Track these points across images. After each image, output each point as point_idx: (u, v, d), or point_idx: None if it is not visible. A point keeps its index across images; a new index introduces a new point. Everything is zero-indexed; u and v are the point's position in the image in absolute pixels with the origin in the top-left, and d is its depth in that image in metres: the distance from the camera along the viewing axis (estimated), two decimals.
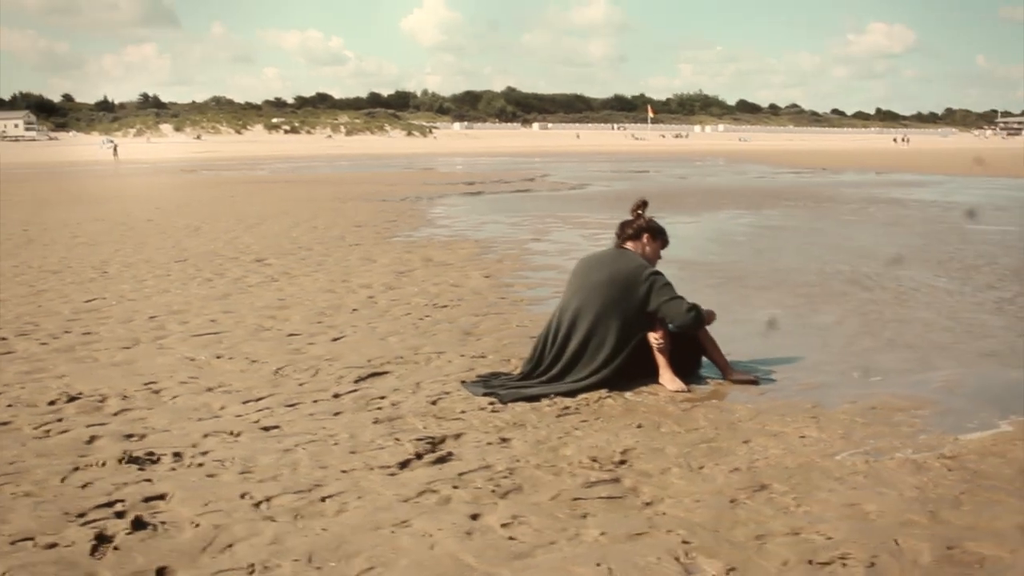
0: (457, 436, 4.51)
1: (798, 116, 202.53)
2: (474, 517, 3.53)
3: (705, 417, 4.76)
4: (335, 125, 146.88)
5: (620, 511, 3.56)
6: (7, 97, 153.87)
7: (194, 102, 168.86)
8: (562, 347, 5.43)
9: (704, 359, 5.69)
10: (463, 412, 4.89)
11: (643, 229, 5.61)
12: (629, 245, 5.61)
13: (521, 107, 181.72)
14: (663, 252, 5.82)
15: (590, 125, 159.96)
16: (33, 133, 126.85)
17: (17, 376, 5.65)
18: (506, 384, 5.36)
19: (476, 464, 4.09)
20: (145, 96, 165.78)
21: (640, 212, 5.68)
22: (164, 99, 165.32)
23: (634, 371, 5.41)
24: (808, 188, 25.65)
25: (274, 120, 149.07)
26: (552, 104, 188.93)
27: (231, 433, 4.56)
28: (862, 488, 3.74)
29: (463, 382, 5.43)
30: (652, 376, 5.36)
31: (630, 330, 5.37)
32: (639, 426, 4.62)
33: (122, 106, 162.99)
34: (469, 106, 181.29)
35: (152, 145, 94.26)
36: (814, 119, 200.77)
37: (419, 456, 4.19)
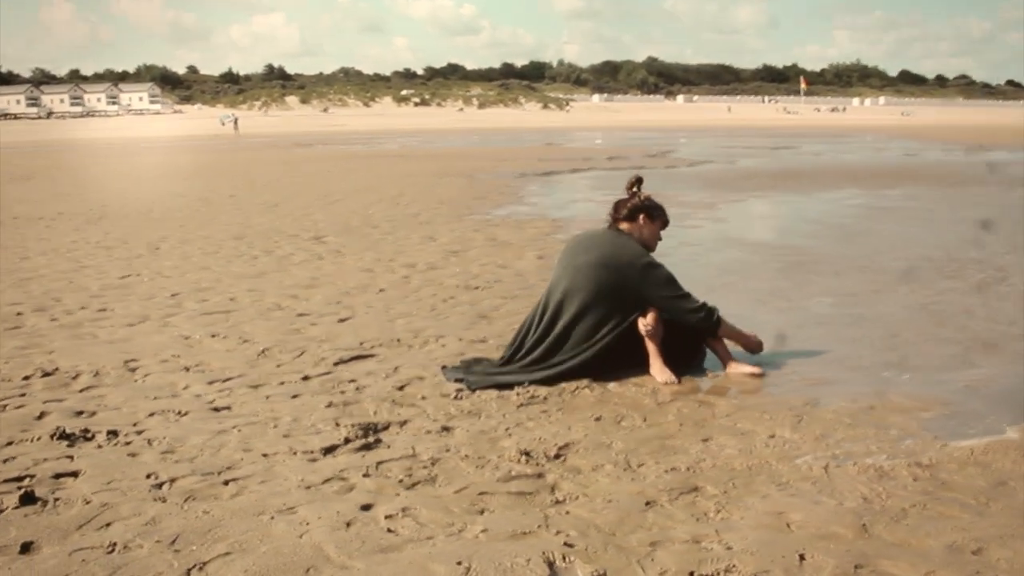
0: (403, 423, 4.54)
1: (968, 88, 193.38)
2: (365, 508, 3.56)
3: (678, 412, 4.65)
4: (467, 97, 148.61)
5: (521, 508, 3.53)
6: (132, 69, 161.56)
7: (321, 74, 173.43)
8: (547, 330, 5.39)
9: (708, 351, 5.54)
10: (424, 398, 4.92)
11: (638, 208, 5.50)
12: (624, 227, 5.51)
13: (664, 78, 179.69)
14: (663, 233, 5.68)
15: (738, 97, 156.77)
16: (157, 106, 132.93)
17: (10, 351, 5.97)
18: (486, 370, 5.35)
19: (401, 453, 4.12)
20: (271, 67, 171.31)
21: (635, 190, 5.56)
22: (291, 70, 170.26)
23: (626, 360, 5.32)
24: (949, 167, 24.52)
25: (403, 92, 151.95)
26: (697, 75, 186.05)
27: (178, 413, 4.72)
28: (801, 496, 3.60)
29: (443, 367, 5.45)
30: (646, 365, 5.27)
31: (620, 317, 5.28)
32: (598, 419, 4.56)
33: (247, 78, 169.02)
34: (609, 77, 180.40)
35: (272, 119, 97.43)
36: (986, 91, 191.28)
37: (347, 442, 4.24)
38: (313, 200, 16.03)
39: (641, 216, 5.49)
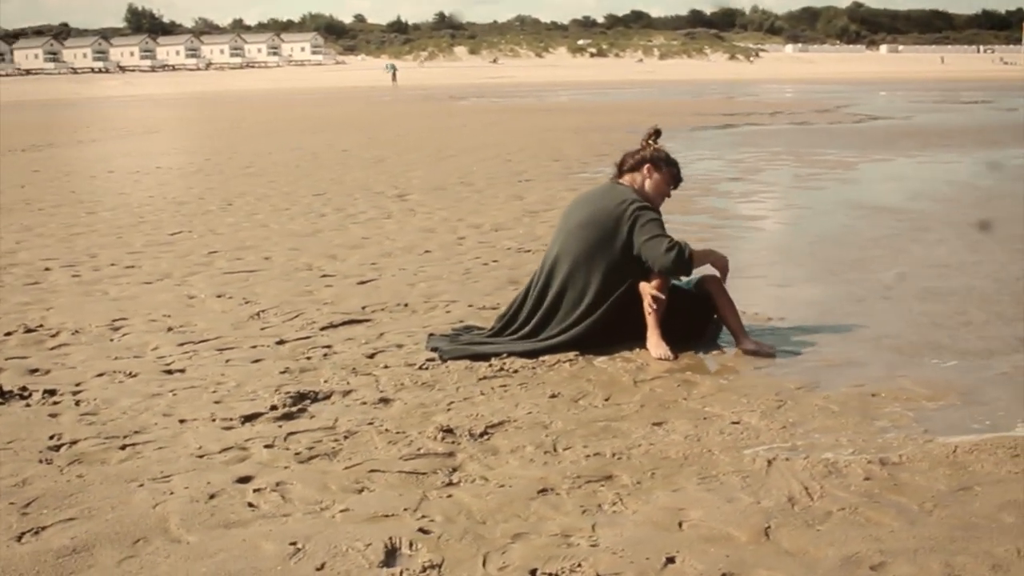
0: (347, 393, 4.56)
1: None
2: (243, 480, 3.60)
3: (650, 391, 4.51)
4: (647, 48, 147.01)
5: (403, 489, 3.49)
6: (296, 18, 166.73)
7: (495, 22, 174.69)
8: (538, 300, 5.30)
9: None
10: (386, 367, 4.93)
11: (644, 159, 5.30)
12: (626, 179, 5.33)
13: (867, 26, 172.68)
14: (673, 192, 5.46)
15: (949, 47, 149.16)
16: (319, 57, 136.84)
17: (10, 307, 6.30)
18: (472, 339, 5.30)
19: (320, 425, 4.14)
20: (441, 16, 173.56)
21: (650, 141, 5.36)
22: (466, 18, 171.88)
23: (628, 332, 5.17)
24: None
25: (579, 42, 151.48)
26: (905, 22, 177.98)
27: (128, 374, 4.88)
28: (718, 491, 3.43)
29: (431, 335, 5.43)
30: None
31: (615, 279, 5.13)
32: (553, 396, 4.46)
33: (416, 27, 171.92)
34: (806, 25, 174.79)
35: (434, 70, 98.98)
36: None
37: (273, 410, 4.29)
38: (424, 156, 16.22)
39: (646, 167, 5.28)
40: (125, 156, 17.57)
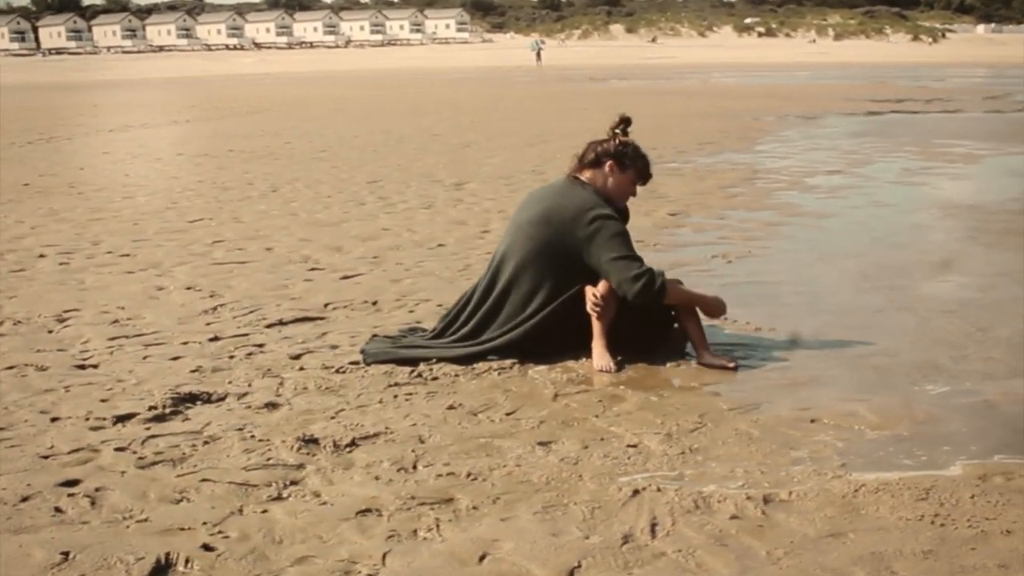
0: (241, 396, 4.60)
1: None
2: (67, 483, 3.66)
3: (564, 407, 4.41)
4: (821, 27, 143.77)
5: (220, 501, 3.50)
6: None
7: None
8: (481, 300, 5.23)
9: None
10: (303, 369, 4.96)
11: (607, 154, 5.15)
12: (587, 174, 5.20)
13: None
14: (641, 189, 5.30)
15: None
16: (465, 34, 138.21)
17: None
18: (412, 342, 5.28)
19: (187, 429, 4.19)
20: None
21: (617, 131, 5.22)
22: None
23: (577, 337, 5.07)
24: None
25: (746, 20, 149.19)
26: None
27: (38, 368, 5.03)
28: (552, 523, 3.33)
29: (375, 335, 5.43)
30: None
31: (563, 287, 5.02)
32: (452, 407, 4.40)
33: (570, 3, 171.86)
34: (1001, 3, 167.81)
35: (576, 49, 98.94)
36: None
37: (151, 410, 4.36)
38: (514, 143, 16.22)
39: (608, 163, 5.14)
40: (208, 138, 18.11)
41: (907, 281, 6.57)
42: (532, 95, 31.89)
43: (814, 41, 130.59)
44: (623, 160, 5.13)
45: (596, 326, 4.99)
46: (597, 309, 4.96)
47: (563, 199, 5.04)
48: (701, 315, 5.11)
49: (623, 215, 5.18)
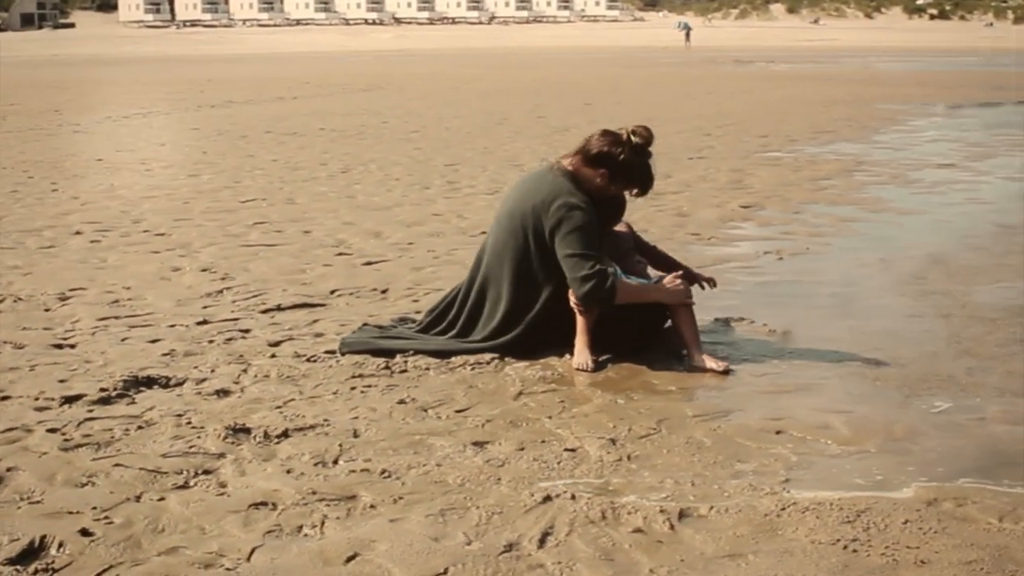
0: (200, 381, 4.74)
1: None
2: None
3: (520, 406, 4.43)
4: (1000, 9, 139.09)
5: (123, 487, 3.61)
6: None
7: None
8: (465, 296, 5.28)
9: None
10: (274, 357, 5.07)
11: (604, 159, 5.09)
12: (571, 162, 5.15)
13: None
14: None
15: None
16: (615, 12, 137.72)
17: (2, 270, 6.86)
18: (399, 334, 5.35)
19: (128, 413, 4.33)
20: None
21: (631, 136, 5.14)
22: None
23: (559, 335, 5.09)
24: None
25: (918, 1, 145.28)
26: None
27: (16, 346, 5.25)
28: (441, 527, 3.35)
29: (364, 324, 5.52)
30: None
31: (533, 282, 5.03)
32: (402, 402, 4.47)
33: None
34: None
35: (728, 30, 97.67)
36: None
37: (101, 392, 4.52)
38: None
39: (601, 171, 5.10)
40: (305, 115, 18.51)
41: (963, 286, 6.37)
42: (659, 77, 31.70)
43: (991, 24, 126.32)
44: (619, 178, 5.06)
45: (579, 323, 4.97)
46: (580, 306, 4.93)
47: (537, 188, 5.03)
48: (682, 314, 5.01)
49: (614, 205, 5.12)
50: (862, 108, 19.48)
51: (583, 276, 4.74)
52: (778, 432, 4.14)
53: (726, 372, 4.82)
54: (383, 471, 3.75)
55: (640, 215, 8.59)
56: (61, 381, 4.69)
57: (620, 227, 5.39)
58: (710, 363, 4.86)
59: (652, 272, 5.34)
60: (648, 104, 20.90)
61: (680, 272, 5.13)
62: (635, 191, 5.09)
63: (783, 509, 3.45)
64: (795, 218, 8.63)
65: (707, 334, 5.35)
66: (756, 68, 38.55)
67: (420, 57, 49.86)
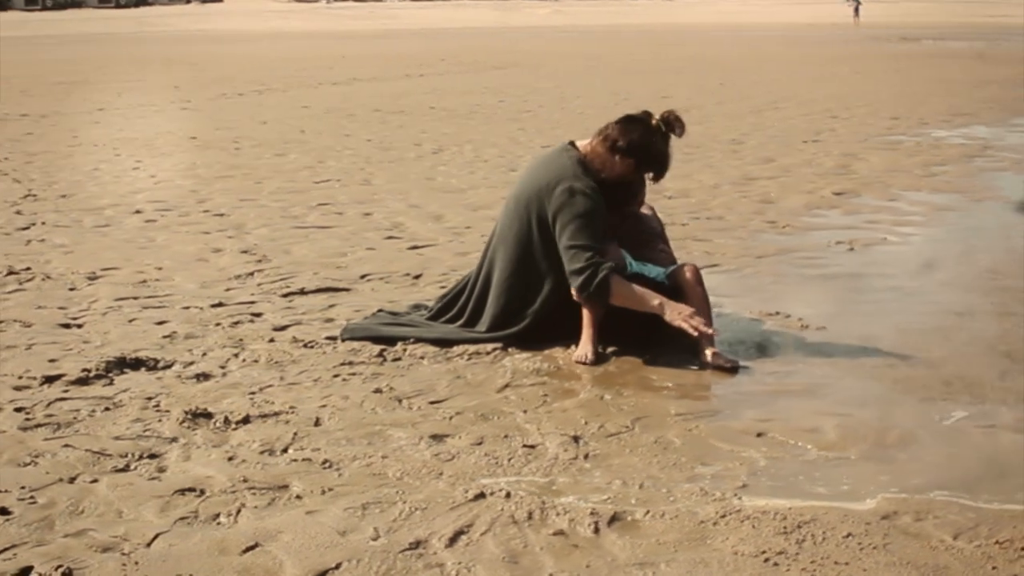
0: (187, 364, 4.90)
1: None
2: None
3: (500, 399, 4.47)
4: None
5: (60, 468, 3.75)
6: None
7: None
8: (474, 283, 5.33)
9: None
10: (272, 341, 5.21)
11: (635, 148, 5.05)
12: (586, 145, 5.15)
13: None
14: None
15: None
16: None
17: (36, 248, 7.19)
18: (412, 321, 5.44)
19: (101, 394, 4.51)
20: None
21: (660, 123, 5.11)
22: None
23: (565, 328, 5.11)
24: None
25: None
26: None
27: (23, 323, 5.51)
28: (344, 521, 3.41)
29: (379, 311, 5.62)
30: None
31: (535, 271, 5.06)
32: (378, 391, 4.55)
33: None
34: None
35: (899, 4, 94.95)
36: None
37: (83, 372, 4.71)
38: (741, 108, 16.01)
39: (631, 160, 5.08)
40: (423, 94, 18.74)
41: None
42: (811, 56, 31.04)
43: None
44: (642, 162, 5.03)
45: (585, 315, 4.96)
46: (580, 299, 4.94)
47: (544, 171, 5.03)
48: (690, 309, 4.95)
49: (632, 187, 5.08)
50: (1013, 90, 18.76)
51: (577, 269, 4.74)
52: (759, 434, 4.07)
53: (733, 369, 4.74)
54: (325, 461, 3.80)
55: (720, 202, 8.53)
56: (51, 361, 4.87)
57: (646, 210, 5.33)
58: (717, 359, 4.79)
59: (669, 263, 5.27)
60: (784, 84, 20.53)
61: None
62: (652, 176, 5.02)
63: (723, 517, 3.39)
64: (887, 206, 8.42)
65: (736, 328, 5.30)
66: (920, 46, 37.40)
67: (573, 34, 49.80)
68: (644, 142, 4.88)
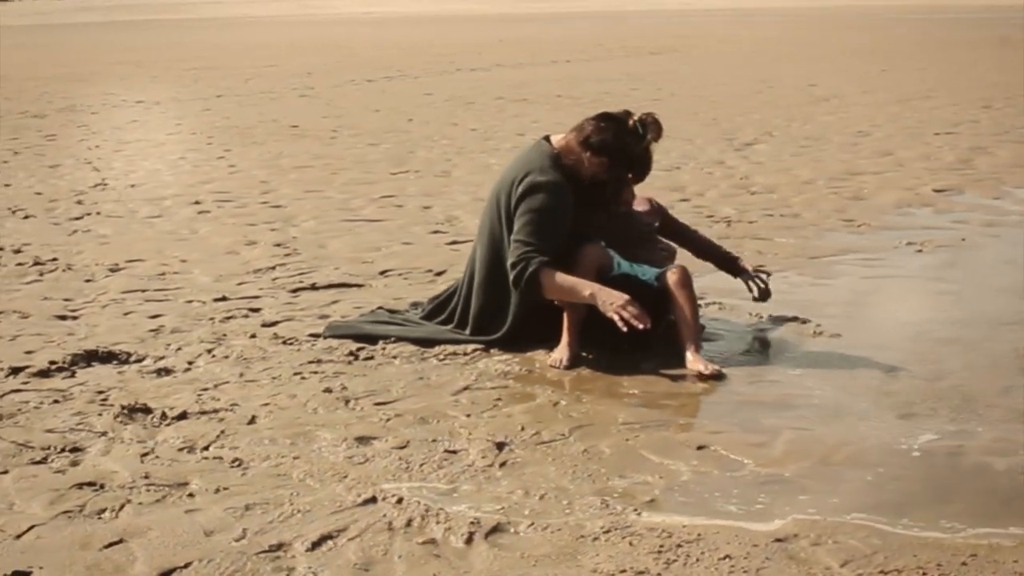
0: (159, 359, 5.16)
1: None
2: None
3: (453, 402, 4.58)
4: None
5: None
6: None
7: None
8: (461, 287, 5.48)
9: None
10: (252, 337, 5.43)
11: (605, 147, 5.11)
12: (561, 139, 5.24)
13: None
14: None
15: None
16: None
17: (79, 239, 7.59)
18: (406, 320, 5.61)
19: (57, 387, 4.76)
20: None
21: (636, 123, 5.17)
22: None
23: (545, 330, 5.23)
24: None
25: None
26: None
27: (22, 314, 5.86)
28: (222, 520, 3.59)
29: (378, 308, 5.81)
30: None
31: (498, 270, 5.19)
32: (328, 390, 4.72)
33: None
34: None
35: None
36: None
37: (51, 365, 5.01)
38: (880, 99, 15.76)
39: (603, 159, 5.15)
40: (554, 81, 18.92)
41: None
42: (950, 43, 30.10)
43: None
44: (619, 165, 5.09)
45: (565, 317, 5.05)
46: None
47: (515, 165, 5.15)
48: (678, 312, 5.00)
49: (615, 187, 5.14)
50: None
51: (511, 264, 4.85)
52: (700, 447, 4.10)
53: (715, 377, 4.77)
54: (235, 460, 3.98)
55: (804, 198, 8.49)
56: (27, 352, 5.18)
57: (643, 207, 5.35)
58: (698, 365, 4.82)
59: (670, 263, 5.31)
60: (950, 72, 20.00)
61: (662, 271, 5.09)
62: (631, 177, 5.07)
63: (606, 532, 3.45)
64: (987, 204, 8.24)
65: (742, 333, 5.34)
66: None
67: (757, 16, 49.26)
68: (618, 143, 4.92)
